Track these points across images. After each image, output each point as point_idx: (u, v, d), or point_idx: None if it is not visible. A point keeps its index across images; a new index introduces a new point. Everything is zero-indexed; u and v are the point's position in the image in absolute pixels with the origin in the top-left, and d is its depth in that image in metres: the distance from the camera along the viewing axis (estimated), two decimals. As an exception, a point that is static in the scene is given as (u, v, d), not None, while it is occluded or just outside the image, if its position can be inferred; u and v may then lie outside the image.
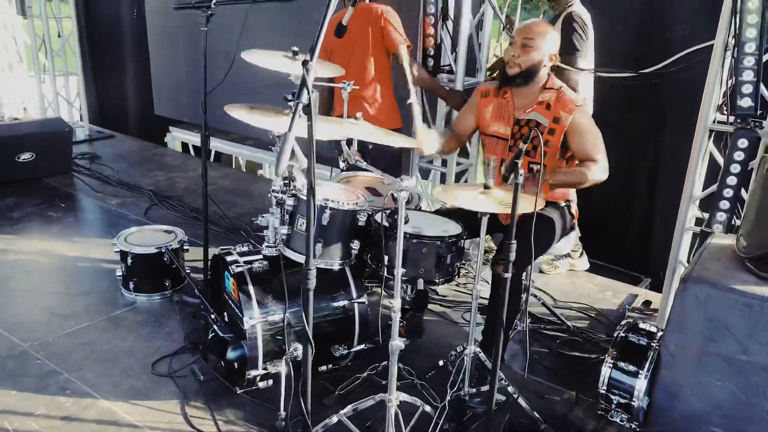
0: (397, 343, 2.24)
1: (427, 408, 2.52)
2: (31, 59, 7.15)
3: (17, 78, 7.62)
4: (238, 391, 2.77)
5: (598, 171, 2.74)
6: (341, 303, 2.84)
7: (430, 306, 3.60)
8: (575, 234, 3.14)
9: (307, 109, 1.64)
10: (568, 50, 3.51)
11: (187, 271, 3.66)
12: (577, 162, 2.84)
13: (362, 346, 2.88)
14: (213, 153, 6.87)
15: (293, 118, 1.63)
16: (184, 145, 7.03)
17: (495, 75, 3.87)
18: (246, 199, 5.27)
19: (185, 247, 3.70)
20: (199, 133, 6.67)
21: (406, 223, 2.25)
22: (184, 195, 5.27)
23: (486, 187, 2.36)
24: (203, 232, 3.08)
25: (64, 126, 5.59)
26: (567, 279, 4.07)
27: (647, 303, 3.71)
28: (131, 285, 3.57)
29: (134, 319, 3.38)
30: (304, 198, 2.51)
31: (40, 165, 5.35)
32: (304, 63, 1.62)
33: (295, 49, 3.01)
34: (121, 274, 3.61)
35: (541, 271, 4.04)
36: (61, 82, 7.20)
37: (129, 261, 3.53)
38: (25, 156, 5.26)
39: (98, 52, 7.41)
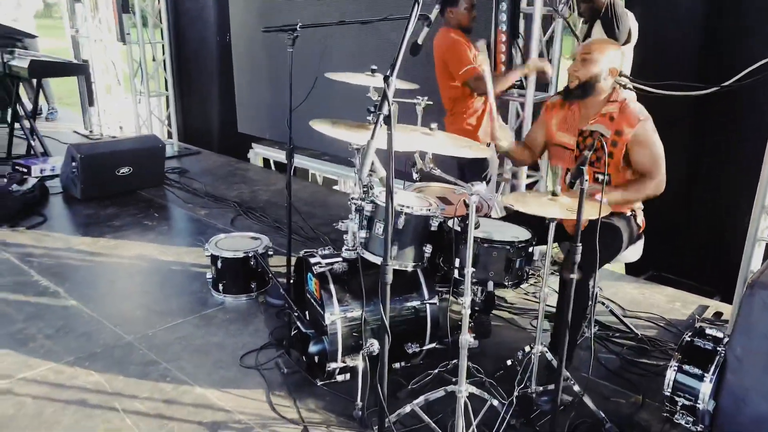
0: (467, 337, 2.41)
1: (495, 402, 2.66)
2: (128, 82, 7.77)
3: (114, 99, 8.30)
4: (318, 383, 3.00)
5: (652, 186, 2.87)
6: (414, 303, 3.03)
7: (498, 312, 3.74)
8: (641, 243, 3.21)
9: (387, 120, 1.85)
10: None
11: (272, 274, 3.95)
12: (632, 175, 2.95)
13: (433, 345, 3.06)
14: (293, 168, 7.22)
15: (375, 127, 1.85)
16: (266, 161, 7.43)
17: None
18: (323, 209, 5.54)
19: (270, 253, 3.99)
20: (280, 149, 7.07)
21: (476, 228, 2.42)
22: (266, 207, 5.61)
23: (554, 194, 2.51)
24: (287, 236, 3.32)
25: (158, 142, 6.06)
26: (636, 290, 4.12)
27: (718, 314, 3.71)
28: (220, 287, 3.88)
29: (223, 318, 3.68)
30: (382, 204, 2.72)
31: (136, 178, 5.82)
32: (386, 78, 1.83)
33: (374, 67, 3.26)
34: (211, 276, 3.92)
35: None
36: (153, 103, 7.76)
37: (219, 264, 3.84)
38: (124, 170, 5.73)
39: (185, 75, 7.95)
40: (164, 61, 7.47)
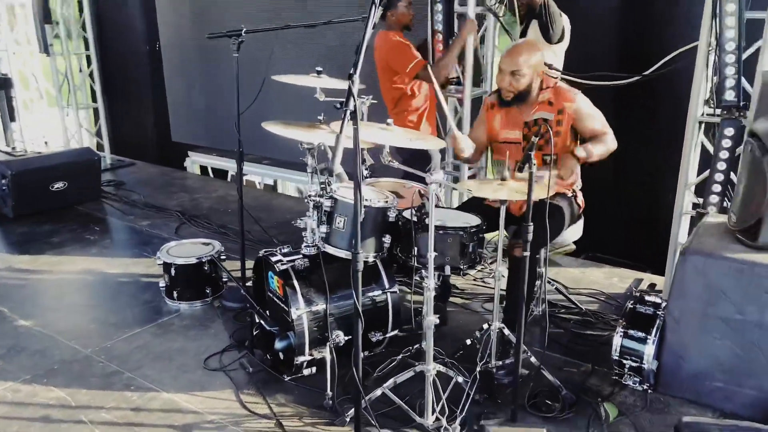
0: (432, 318, 2.54)
1: (460, 379, 2.80)
2: (50, 95, 7.53)
3: (37, 114, 8.02)
4: (286, 379, 3.06)
5: (611, 140, 3.14)
6: (375, 293, 3.14)
7: (452, 299, 3.90)
8: (582, 222, 3.44)
9: (353, 115, 1.96)
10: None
11: (226, 278, 3.98)
12: (587, 140, 3.17)
13: (396, 332, 3.17)
14: (229, 174, 7.19)
15: (343, 122, 1.95)
16: (203, 168, 7.36)
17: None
18: (268, 213, 5.56)
19: (222, 257, 4.01)
20: (218, 156, 7.05)
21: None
22: (210, 213, 5.59)
23: (503, 179, 2.67)
24: (240, 239, 3.37)
25: (93, 155, 5.92)
26: (576, 269, 4.37)
27: (652, 285, 3.97)
28: (175, 294, 3.87)
29: (181, 324, 3.67)
30: (342, 199, 2.82)
31: (71, 193, 5.67)
32: (350, 76, 1.94)
33: (319, 69, 3.35)
34: (164, 284, 3.90)
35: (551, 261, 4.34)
36: (82, 115, 7.56)
37: (172, 272, 3.83)
38: (58, 185, 5.58)
39: (113, 86, 7.77)
40: (91, 72, 7.29)
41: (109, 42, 7.58)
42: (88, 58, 7.37)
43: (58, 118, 7.53)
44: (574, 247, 4.39)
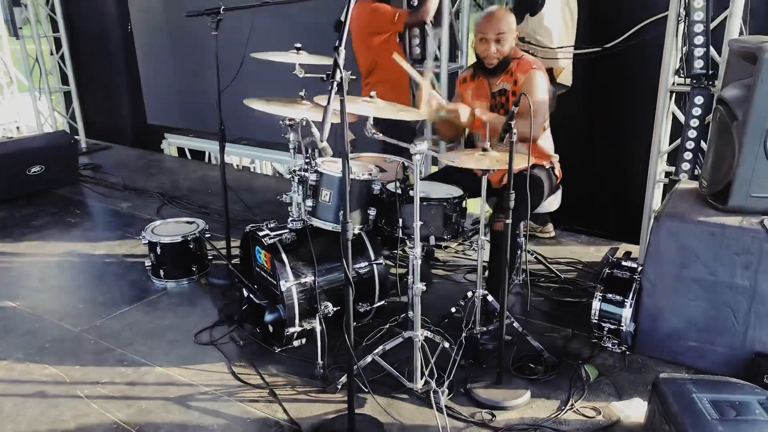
0: (420, 285, 2.62)
1: (446, 344, 2.90)
2: (19, 80, 7.41)
3: (7, 100, 7.89)
4: (276, 350, 3.13)
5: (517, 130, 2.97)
6: (361, 264, 3.21)
7: (434, 271, 3.99)
8: (560, 192, 3.54)
9: (340, 86, 2.01)
10: None
11: (211, 256, 4.03)
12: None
13: (383, 302, 3.26)
14: (208, 155, 7.16)
15: (330, 93, 2.01)
16: (180, 150, 7.33)
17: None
18: (249, 193, 5.58)
19: (207, 234, 4.05)
20: (195, 137, 7.04)
21: (412, 188, 2.63)
22: (190, 194, 5.60)
23: (484, 150, 2.75)
24: (223, 216, 3.40)
25: (69, 138, 5.88)
26: (553, 240, 4.49)
27: (628, 253, 4.09)
28: (161, 273, 3.90)
29: (169, 302, 3.72)
30: (327, 173, 2.88)
31: (49, 177, 5.63)
32: (336, 48, 1.99)
33: (298, 45, 3.38)
34: (150, 264, 3.94)
35: (534, 236, 4.46)
36: (54, 99, 7.45)
37: (158, 250, 3.86)
38: (35, 169, 5.53)
39: (84, 69, 7.66)
40: (62, 55, 7.18)
41: (79, 24, 7.45)
42: (59, 40, 7.25)
43: (29, 103, 7.42)
44: (553, 233, 4.54)
